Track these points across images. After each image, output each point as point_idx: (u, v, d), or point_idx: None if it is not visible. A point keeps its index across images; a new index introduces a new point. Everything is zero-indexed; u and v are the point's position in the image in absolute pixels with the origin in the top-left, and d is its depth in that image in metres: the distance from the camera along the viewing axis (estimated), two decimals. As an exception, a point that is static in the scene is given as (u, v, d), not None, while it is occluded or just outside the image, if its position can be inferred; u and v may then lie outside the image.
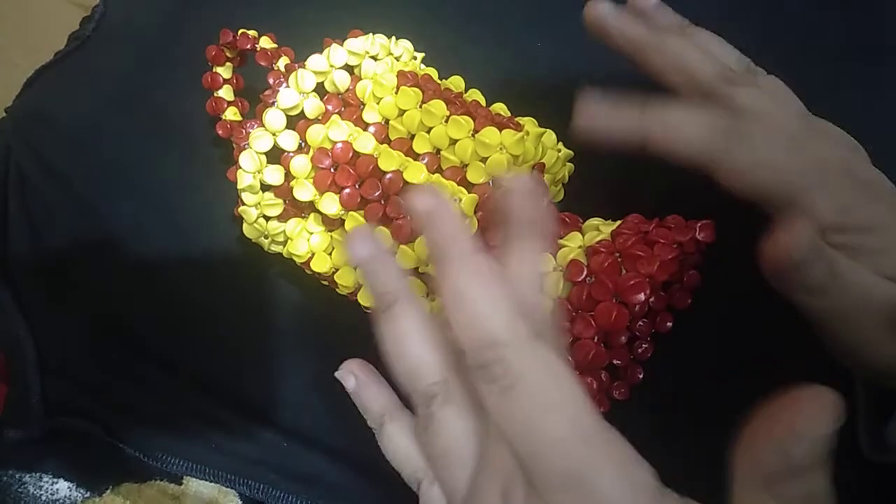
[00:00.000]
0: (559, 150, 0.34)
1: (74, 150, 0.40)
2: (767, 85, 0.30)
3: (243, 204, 0.33)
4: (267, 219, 0.34)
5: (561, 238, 0.29)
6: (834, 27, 0.39)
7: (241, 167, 0.33)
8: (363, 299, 0.31)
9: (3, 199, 0.40)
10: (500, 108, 0.35)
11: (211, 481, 0.35)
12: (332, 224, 0.32)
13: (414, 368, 0.25)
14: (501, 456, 0.22)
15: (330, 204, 0.30)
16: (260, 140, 0.32)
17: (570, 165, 0.35)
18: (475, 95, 0.35)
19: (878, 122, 0.34)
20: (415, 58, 0.37)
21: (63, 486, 0.36)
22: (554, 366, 0.22)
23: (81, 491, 0.36)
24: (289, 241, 0.33)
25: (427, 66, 0.37)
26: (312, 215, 0.33)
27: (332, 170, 0.30)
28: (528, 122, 0.33)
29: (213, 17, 0.40)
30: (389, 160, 0.29)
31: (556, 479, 0.21)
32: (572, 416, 0.21)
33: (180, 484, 0.36)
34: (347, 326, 0.36)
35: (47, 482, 0.36)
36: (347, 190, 0.30)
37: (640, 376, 0.32)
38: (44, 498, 0.36)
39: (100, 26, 0.43)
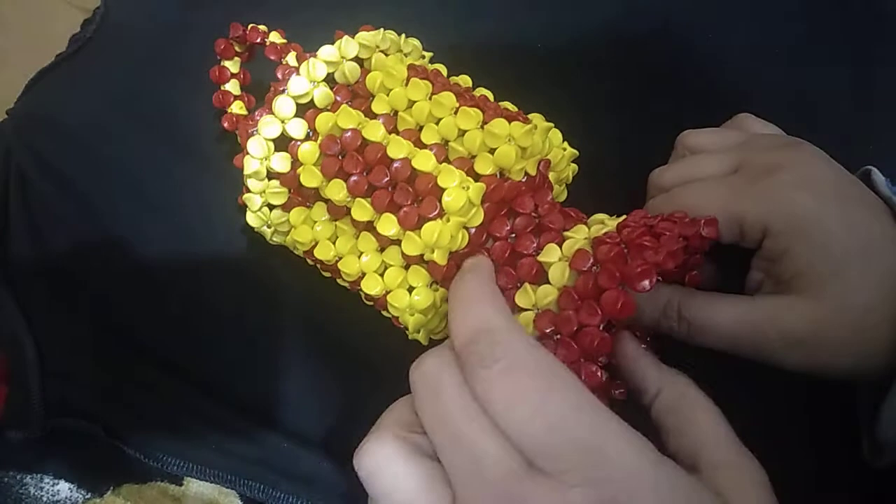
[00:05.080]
0: (564, 149, 0.34)
1: (76, 151, 0.40)
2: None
3: (248, 191, 0.34)
4: (271, 207, 0.34)
5: (566, 231, 0.29)
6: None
7: (248, 153, 0.33)
8: (367, 287, 0.31)
9: (4, 201, 0.40)
10: (507, 105, 0.35)
11: (211, 482, 0.35)
12: (336, 213, 0.32)
13: None
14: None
15: (337, 190, 0.30)
16: (269, 127, 0.32)
17: (574, 165, 0.35)
18: (483, 92, 0.35)
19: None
20: (423, 56, 0.37)
21: (64, 487, 0.36)
22: (548, 355, 0.23)
23: (82, 492, 0.36)
24: (293, 229, 0.33)
25: (434, 64, 0.37)
26: (317, 204, 0.33)
27: (339, 157, 0.30)
28: (537, 118, 0.33)
29: (214, 18, 0.40)
30: (399, 148, 0.29)
31: (570, 454, 0.21)
32: (575, 392, 0.22)
33: (181, 485, 0.36)
34: (348, 327, 0.36)
35: (48, 483, 0.36)
36: (355, 177, 0.30)
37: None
38: (45, 499, 0.36)
39: (101, 28, 0.44)
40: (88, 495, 0.36)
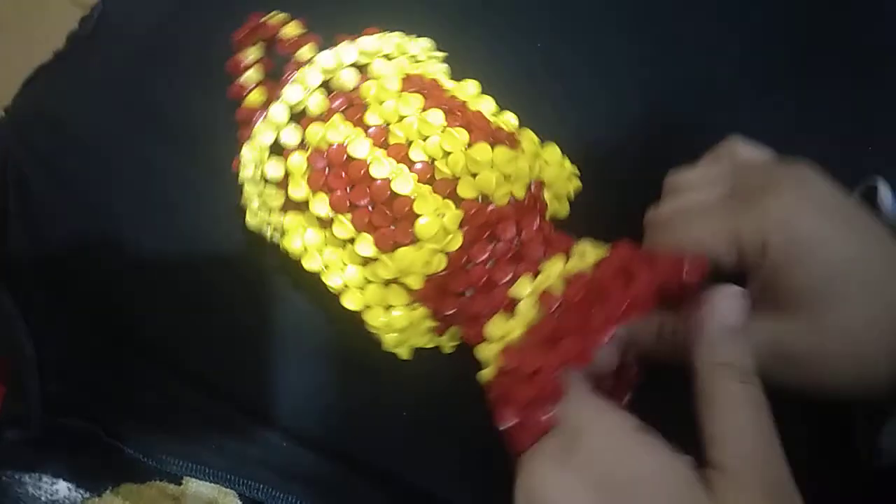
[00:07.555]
0: (563, 166, 0.34)
1: (74, 149, 0.40)
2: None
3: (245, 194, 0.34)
4: (269, 210, 0.34)
5: (545, 259, 0.29)
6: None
7: (243, 158, 0.33)
8: (346, 301, 0.31)
9: (2, 199, 0.40)
10: (504, 121, 0.34)
11: (211, 482, 0.35)
12: (325, 223, 0.32)
13: None
14: None
15: (320, 205, 0.30)
16: (263, 133, 0.32)
17: (576, 181, 0.35)
18: (487, 99, 0.35)
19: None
20: (434, 56, 0.36)
21: (62, 487, 0.36)
22: None
23: (81, 491, 0.36)
24: (284, 234, 0.33)
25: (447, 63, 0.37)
26: (308, 212, 0.33)
27: (325, 171, 0.30)
28: (527, 140, 0.33)
29: (213, 16, 0.40)
30: (380, 167, 0.29)
31: None
32: None
33: (180, 484, 0.36)
34: (348, 326, 0.36)
35: (47, 483, 0.36)
36: (338, 192, 0.30)
37: (638, 378, 0.31)
38: (43, 498, 0.36)
39: (99, 26, 0.43)
40: (87, 495, 0.36)
